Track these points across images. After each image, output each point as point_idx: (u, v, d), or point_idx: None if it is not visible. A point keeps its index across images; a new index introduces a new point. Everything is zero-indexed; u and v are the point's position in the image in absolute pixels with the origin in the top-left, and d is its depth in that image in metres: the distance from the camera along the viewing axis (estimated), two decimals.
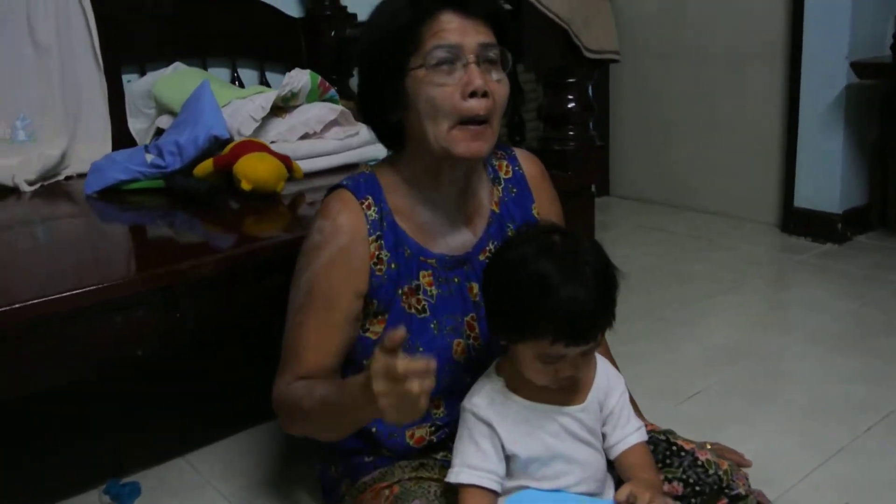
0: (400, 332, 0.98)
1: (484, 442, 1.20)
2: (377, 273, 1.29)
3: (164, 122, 2.24)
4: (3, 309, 1.27)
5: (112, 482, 1.65)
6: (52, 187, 2.12)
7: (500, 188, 1.42)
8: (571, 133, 1.97)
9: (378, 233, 1.30)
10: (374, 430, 1.34)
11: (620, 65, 3.68)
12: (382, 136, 1.39)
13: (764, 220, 3.30)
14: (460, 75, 1.20)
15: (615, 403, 1.27)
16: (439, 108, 1.20)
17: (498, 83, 1.23)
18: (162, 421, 1.99)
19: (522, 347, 1.17)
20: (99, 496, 1.62)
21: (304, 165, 1.99)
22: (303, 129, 2.12)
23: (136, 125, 2.38)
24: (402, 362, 0.97)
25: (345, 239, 1.28)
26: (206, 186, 1.84)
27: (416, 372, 0.98)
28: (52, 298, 1.31)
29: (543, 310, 1.11)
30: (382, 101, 1.28)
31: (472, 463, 1.20)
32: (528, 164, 1.47)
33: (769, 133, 3.24)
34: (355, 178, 1.35)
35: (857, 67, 2.80)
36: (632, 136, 3.70)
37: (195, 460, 1.77)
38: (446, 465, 1.32)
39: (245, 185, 1.78)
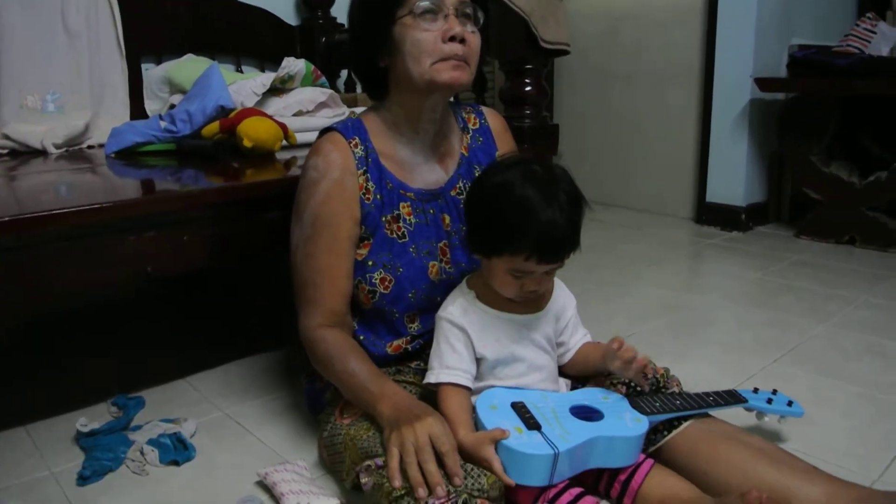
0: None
1: (458, 345, 1.16)
2: (366, 202, 1.24)
3: (176, 100, 2.14)
4: (30, 215, 1.18)
5: (119, 396, 1.54)
6: (76, 152, 2.00)
7: (468, 136, 1.39)
8: (528, 112, 1.91)
9: (364, 168, 1.25)
10: (360, 338, 1.28)
11: (561, 86, 3.68)
12: (368, 85, 1.33)
13: (681, 215, 3.28)
14: (441, 24, 1.18)
15: (569, 317, 1.26)
16: (423, 49, 1.17)
17: (472, 34, 1.22)
18: (168, 346, 1.91)
19: (497, 262, 1.13)
20: (107, 407, 1.52)
21: (298, 136, 1.91)
22: (297, 107, 2.04)
23: (152, 106, 2.27)
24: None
25: (337, 173, 1.23)
26: (212, 143, 1.76)
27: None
28: (72, 210, 1.21)
29: (524, 229, 1.07)
30: (372, 48, 1.23)
31: (449, 364, 1.15)
32: (493, 118, 1.45)
33: (686, 142, 3.22)
34: (344, 123, 1.31)
35: (759, 82, 2.80)
36: (570, 145, 3.67)
37: (196, 381, 1.66)
38: (419, 372, 1.28)
39: (246, 143, 1.70)
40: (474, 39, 1.21)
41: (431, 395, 1.16)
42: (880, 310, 2.05)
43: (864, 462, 1.28)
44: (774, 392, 1.35)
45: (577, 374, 1.28)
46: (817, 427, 1.40)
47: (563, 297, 1.26)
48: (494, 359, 1.16)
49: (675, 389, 1.26)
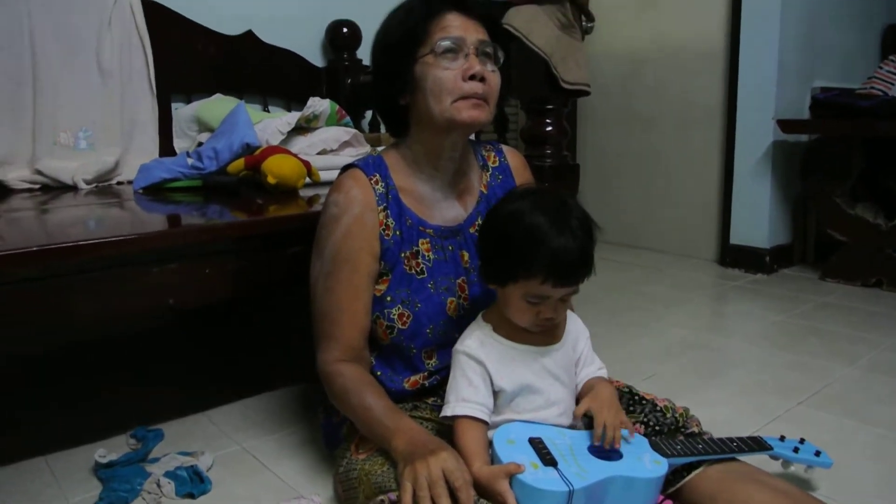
0: None
1: (476, 378, 1.15)
2: (385, 237, 1.25)
3: (204, 138, 2.19)
4: (56, 246, 1.21)
5: (139, 428, 1.55)
6: (105, 188, 2.05)
7: (487, 174, 1.40)
8: (548, 152, 1.93)
9: (384, 204, 1.27)
10: (378, 373, 1.28)
11: (583, 128, 3.70)
12: (390, 123, 1.36)
13: (705, 257, 3.26)
14: (462, 63, 1.20)
15: (583, 348, 1.25)
16: (444, 87, 1.20)
17: (492, 73, 1.24)
18: (188, 380, 1.92)
19: (512, 289, 1.13)
20: (126, 439, 1.52)
21: (322, 174, 1.94)
22: (321, 146, 2.08)
23: (181, 144, 2.32)
24: None
25: (358, 209, 1.25)
26: (237, 180, 1.79)
27: None
28: (97, 241, 1.24)
29: (538, 252, 1.08)
30: (393, 86, 1.25)
31: (465, 396, 1.14)
32: (512, 156, 1.46)
33: (709, 183, 3.22)
34: (365, 160, 1.33)
35: (782, 124, 2.79)
36: (592, 187, 3.68)
37: (214, 415, 1.66)
38: (437, 408, 1.26)
39: (270, 180, 1.73)
40: (494, 78, 1.23)
41: (448, 432, 1.15)
42: None
43: None
44: (802, 441, 1.30)
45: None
46: (843, 470, 1.36)
47: (575, 329, 1.25)
48: (512, 391, 1.15)
49: (695, 429, 1.24)
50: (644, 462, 1.09)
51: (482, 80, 1.20)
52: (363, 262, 1.23)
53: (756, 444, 1.23)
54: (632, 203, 3.55)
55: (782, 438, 1.30)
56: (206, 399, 1.73)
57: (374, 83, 1.33)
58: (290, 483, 1.35)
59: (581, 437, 1.14)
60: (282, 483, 1.35)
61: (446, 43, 1.19)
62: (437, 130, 1.24)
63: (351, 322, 1.23)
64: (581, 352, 1.23)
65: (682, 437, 1.21)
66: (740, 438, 1.23)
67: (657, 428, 1.22)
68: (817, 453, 1.28)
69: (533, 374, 1.16)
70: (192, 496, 1.30)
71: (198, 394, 1.77)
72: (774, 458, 1.28)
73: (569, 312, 1.24)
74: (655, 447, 1.13)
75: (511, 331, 1.17)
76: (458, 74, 1.19)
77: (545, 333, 1.18)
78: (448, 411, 1.14)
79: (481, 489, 1.02)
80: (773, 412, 1.63)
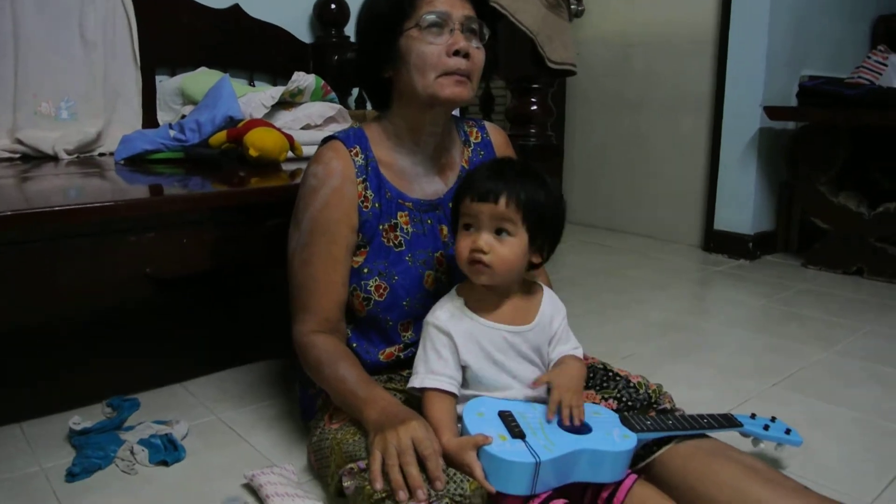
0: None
1: (444, 350, 1.14)
2: (364, 209, 1.25)
3: (188, 111, 2.17)
4: (32, 211, 1.20)
5: (115, 397, 1.54)
6: (87, 158, 2.03)
7: (469, 149, 1.40)
8: (533, 131, 1.93)
9: (364, 176, 1.26)
10: (354, 345, 1.28)
11: (572, 113, 3.70)
12: (373, 96, 1.35)
13: (689, 242, 3.27)
14: (447, 38, 1.19)
15: (558, 326, 1.23)
16: (427, 62, 1.19)
17: (477, 49, 1.23)
18: (166, 351, 1.92)
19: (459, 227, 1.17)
20: (102, 407, 1.52)
21: (305, 149, 1.93)
22: (305, 121, 2.07)
23: (165, 117, 2.30)
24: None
25: (337, 181, 1.24)
26: (219, 152, 1.78)
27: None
28: (73, 207, 1.23)
29: (468, 181, 1.16)
30: (378, 59, 1.25)
31: (434, 369, 1.14)
32: (495, 133, 1.46)
33: (695, 169, 3.22)
34: (345, 132, 1.33)
35: (769, 111, 2.80)
36: (580, 171, 3.68)
37: (192, 386, 1.66)
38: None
39: (252, 153, 1.72)
40: (479, 55, 1.22)
41: (420, 403, 1.16)
42: (885, 339, 2.02)
43: (859, 486, 1.26)
44: (773, 419, 1.31)
45: None
46: (813, 451, 1.38)
47: (552, 307, 1.23)
48: (478, 368, 1.14)
49: (668, 406, 1.25)
50: (613, 436, 1.09)
51: (466, 56, 1.19)
52: (341, 234, 1.23)
53: (726, 421, 1.24)
54: (618, 188, 3.56)
55: (753, 416, 1.31)
56: (183, 370, 1.72)
57: (358, 54, 1.33)
58: (264, 453, 1.35)
59: None
60: (256, 453, 1.35)
61: (432, 17, 1.18)
62: (420, 105, 1.24)
63: (327, 294, 1.23)
64: (556, 329, 1.22)
65: (653, 414, 1.22)
66: (711, 415, 1.24)
67: (629, 403, 1.22)
68: (787, 431, 1.29)
69: (501, 352, 1.15)
70: (165, 464, 1.31)
71: (175, 365, 1.76)
72: (745, 435, 1.29)
73: (546, 290, 1.24)
74: (625, 422, 1.14)
75: (483, 307, 1.17)
76: (442, 50, 1.18)
77: (517, 313, 1.18)
78: (416, 382, 1.14)
79: (450, 460, 1.02)
80: (749, 393, 1.65)
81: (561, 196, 1.19)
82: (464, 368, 1.15)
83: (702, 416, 1.22)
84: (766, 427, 1.29)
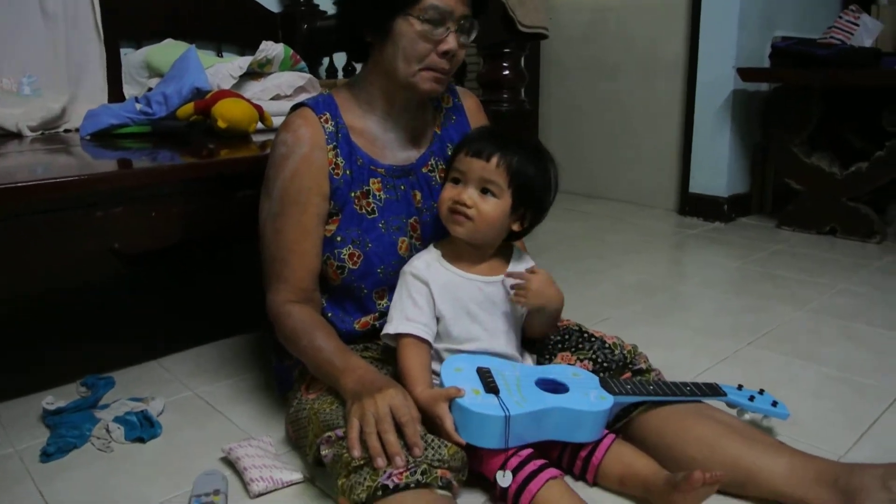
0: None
1: (420, 299, 1.17)
2: (335, 177, 1.24)
3: (154, 84, 2.12)
4: (2, 186, 1.17)
5: (89, 376, 1.52)
6: (52, 135, 1.98)
7: (441, 115, 1.39)
8: (505, 97, 1.90)
9: (334, 143, 1.25)
10: (329, 315, 1.28)
11: (547, 78, 3.67)
12: (349, 49, 1.34)
13: (664, 206, 3.28)
14: (441, 33, 1.18)
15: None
16: (416, 54, 1.19)
17: (462, 46, 1.22)
18: (140, 328, 1.90)
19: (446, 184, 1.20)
20: (76, 387, 1.50)
21: (274, 120, 1.90)
22: (275, 91, 2.03)
23: (131, 90, 2.25)
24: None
25: (306, 148, 1.23)
26: (187, 125, 1.75)
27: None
28: (38, 182, 1.20)
29: (468, 138, 1.22)
30: (368, 24, 1.22)
31: (410, 315, 1.16)
32: (467, 98, 1.45)
33: (671, 133, 3.22)
34: (315, 98, 1.31)
35: (742, 72, 2.80)
36: (556, 137, 3.67)
37: (167, 362, 1.65)
38: (387, 349, 1.25)
39: (221, 124, 1.69)
40: (461, 54, 1.22)
41: (395, 357, 1.17)
42: (858, 297, 2.05)
43: (832, 440, 1.27)
44: (761, 391, 1.29)
45: (531, 334, 1.28)
46: (788, 407, 1.39)
47: (522, 261, 1.26)
48: (451, 318, 1.17)
49: (643, 366, 1.26)
50: (589, 397, 1.10)
51: (453, 56, 1.19)
52: (312, 202, 1.22)
53: (710, 390, 1.23)
54: (594, 153, 3.55)
55: (740, 387, 1.29)
56: (158, 347, 1.71)
57: (344, 8, 1.28)
58: (241, 427, 1.35)
59: (531, 371, 1.16)
60: (233, 427, 1.35)
61: (434, 12, 1.16)
62: (395, 83, 1.22)
63: (300, 263, 1.22)
64: None
65: (633, 378, 1.22)
66: (695, 383, 1.23)
67: (605, 364, 1.23)
68: (774, 403, 1.26)
69: (475, 303, 1.18)
70: (141, 441, 1.30)
71: (150, 342, 1.75)
72: (730, 406, 1.26)
73: (517, 250, 1.25)
74: (605, 385, 1.15)
75: (459, 259, 1.20)
76: (433, 47, 1.18)
77: (492, 268, 1.21)
78: (391, 329, 1.16)
79: (422, 412, 1.03)
80: (724, 352, 1.66)
81: (555, 179, 1.22)
82: (438, 320, 1.17)
83: (685, 384, 1.22)
84: (752, 398, 1.26)
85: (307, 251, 1.22)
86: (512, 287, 1.17)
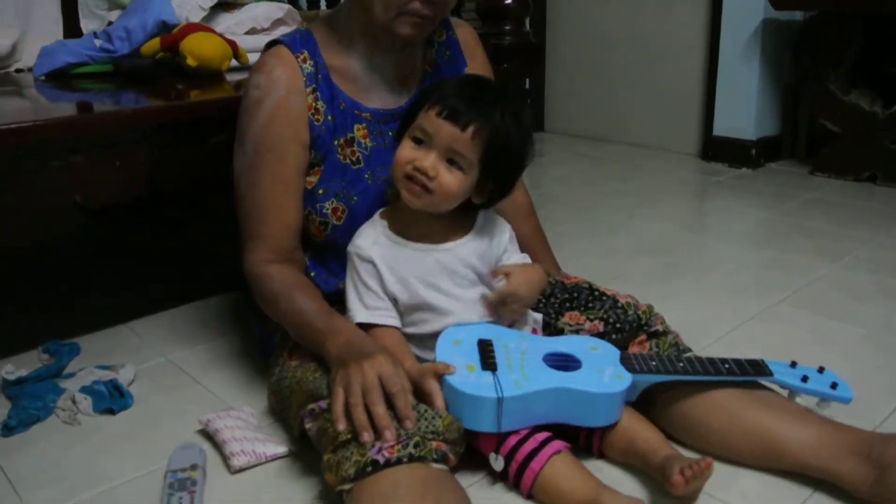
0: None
1: (372, 281, 1.15)
2: (315, 123, 1.22)
3: (115, 17, 2.09)
4: None
5: (51, 342, 1.53)
6: (2, 76, 1.97)
7: (433, 50, 1.37)
8: (507, 28, 1.89)
9: (313, 85, 1.23)
10: (312, 275, 1.28)
11: (558, 9, 3.62)
12: None
13: (686, 151, 3.26)
14: None
15: (502, 247, 1.22)
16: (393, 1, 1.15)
17: None
18: (107, 290, 1.90)
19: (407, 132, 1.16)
20: (38, 354, 1.51)
21: (250, 56, 1.87)
22: (250, 24, 2.00)
23: (89, 25, 2.22)
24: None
25: (282, 91, 1.21)
26: (152, 63, 1.73)
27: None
28: None
29: (445, 84, 1.17)
30: None
31: (370, 304, 1.15)
32: (462, 30, 1.42)
33: (693, 68, 3.19)
34: (291, 35, 1.29)
35: None
36: (567, 75, 3.63)
37: (137, 326, 1.66)
38: None
39: (190, 62, 1.68)
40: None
41: None
42: None
43: (867, 407, 1.27)
44: (821, 370, 1.17)
45: None
46: None
47: (493, 224, 1.23)
48: (410, 297, 1.15)
49: (659, 327, 1.26)
50: (603, 375, 1.08)
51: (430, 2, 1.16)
52: (290, 152, 1.21)
53: (753, 368, 1.14)
54: (607, 91, 3.52)
55: (793, 364, 1.18)
56: (127, 309, 1.71)
57: None
58: (220, 395, 1.36)
59: (540, 344, 1.14)
60: (211, 396, 1.36)
61: None
62: (375, 22, 1.19)
63: (279, 219, 1.22)
64: (504, 246, 1.21)
65: (644, 339, 1.22)
66: (735, 360, 1.15)
67: (617, 325, 1.23)
68: (834, 385, 1.14)
69: (432, 275, 1.15)
70: (111, 412, 1.31)
71: (118, 304, 1.75)
72: (780, 387, 1.16)
73: (485, 212, 1.23)
74: (625, 361, 1.12)
75: (409, 229, 1.17)
76: None
77: (447, 232, 1.18)
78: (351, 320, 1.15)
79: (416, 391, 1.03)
80: (749, 312, 1.67)
81: (531, 138, 1.19)
82: (394, 302, 1.15)
83: (722, 361, 1.15)
84: (805, 378, 1.14)
85: (286, 206, 1.22)
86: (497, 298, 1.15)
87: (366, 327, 1.14)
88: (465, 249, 1.17)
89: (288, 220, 1.22)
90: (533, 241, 1.43)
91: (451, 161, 1.11)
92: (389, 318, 1.14)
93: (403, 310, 1.16)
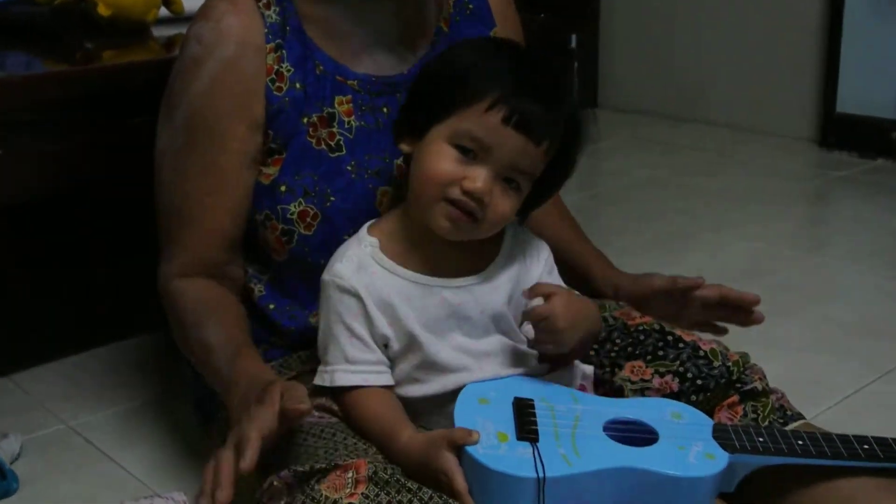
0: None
1: (356, 323, 1.13)
2: (276, 93, 1.23)
3: None
4: None
5: None
6: None
7: (450, 4, 1.37)
8: None
9: (279, 41, 1.24)
10: (271, 306, 1.29)
11: None
12: None
13: (796, 134, 3.28)
14: None
15: (539, 275, 1.22)
16: None
17: None
18: None
19: (436, 133, 1.10)
20: None
21: (186, 4, 1.89)
22: None
23: None
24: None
25: (231, 49, 1.22)
26: (51, 10, 1.76)
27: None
28: None
29: (492, 66, 1.11)
30: None
31: (350, 355, 1.12)
32: None
33: (805, 26, 3.22)
34: None
35: None
36: (626, 33, 3.67)
37: (24, 379, 1.70)
38: None
39: (103, 10, 1.71)
40: None
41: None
42: None
43: None
44: None
45: None
46: None
47: (518, 246, 1.23)
48: (405, 346, 1.14)
49: (758, 385, 1.25)
50: (688, 453, 1.07)
51: None
52: (234, 133, 1.22)
53: None
54: (682, 57, 3.57)
55: None
56: (12, 357, 1.74)
57: None
58: (140, 477, 1.38)
59: (601, 407, 1.14)
60: (128, 476, 1.38)
61: None
62: None
63: (207, 222, 1.23)
64: (540, 273, 1.22)
65: (758, 420, 1.21)
66: (878, 439, 1.12)
67: (699, 382, 1.24)
68: None
69: (441, 319, 1.14)
70: None
71: None
72: None
73: (510, 226, 1.23)
74: (720, 434, 1.11)
75: (406, 251, 1.16)
76: None
77: (462, 260, 1.17)
78: (327, 380, 1.13)
79: (418, 467, 1.02)
80: (885, 363, 1.67)
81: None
82: (384, 347, 1.14)
83: (860, 439, 1.12)
84: None
85: (218, 206, 1.23)
86: (526, 321, 1.13)
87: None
88: (487, 288, 1.17)
89: (219, 224, 1.24)
90: (576, 244, 1.45)
91: (508, 179, 1.10)
92: (380, 376, 1.13)
93: (396, 356, 1.16)
